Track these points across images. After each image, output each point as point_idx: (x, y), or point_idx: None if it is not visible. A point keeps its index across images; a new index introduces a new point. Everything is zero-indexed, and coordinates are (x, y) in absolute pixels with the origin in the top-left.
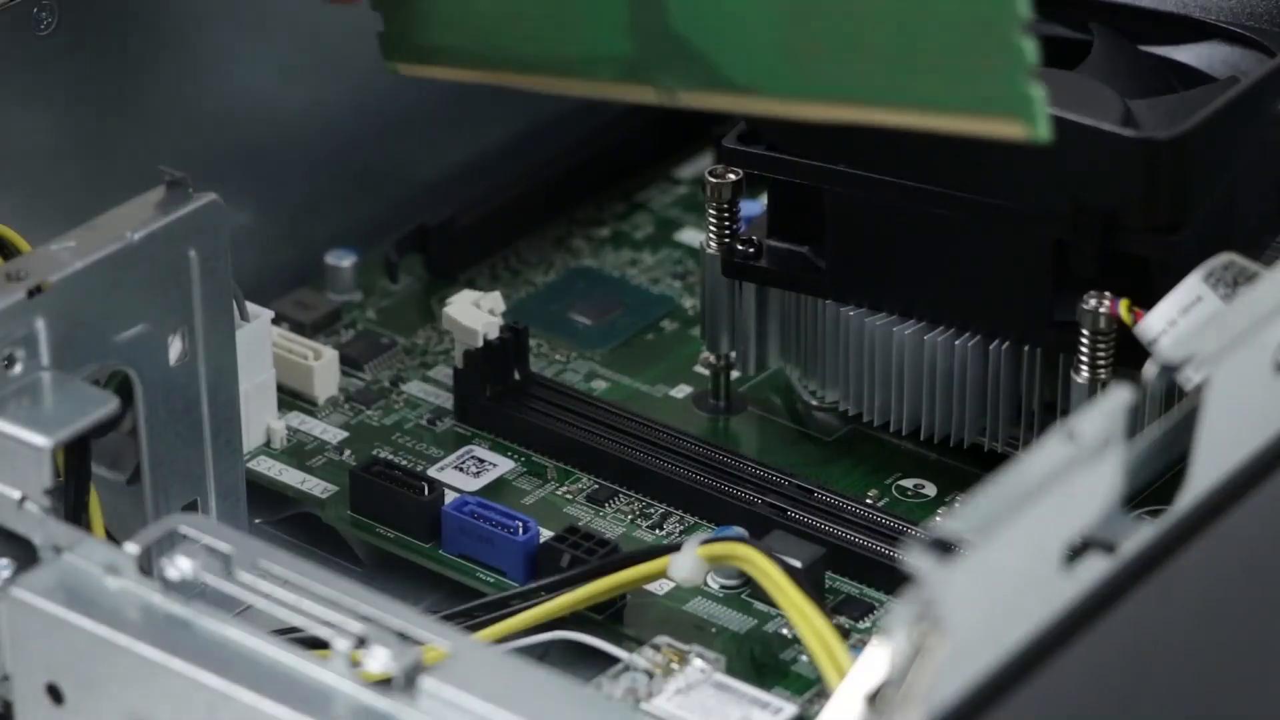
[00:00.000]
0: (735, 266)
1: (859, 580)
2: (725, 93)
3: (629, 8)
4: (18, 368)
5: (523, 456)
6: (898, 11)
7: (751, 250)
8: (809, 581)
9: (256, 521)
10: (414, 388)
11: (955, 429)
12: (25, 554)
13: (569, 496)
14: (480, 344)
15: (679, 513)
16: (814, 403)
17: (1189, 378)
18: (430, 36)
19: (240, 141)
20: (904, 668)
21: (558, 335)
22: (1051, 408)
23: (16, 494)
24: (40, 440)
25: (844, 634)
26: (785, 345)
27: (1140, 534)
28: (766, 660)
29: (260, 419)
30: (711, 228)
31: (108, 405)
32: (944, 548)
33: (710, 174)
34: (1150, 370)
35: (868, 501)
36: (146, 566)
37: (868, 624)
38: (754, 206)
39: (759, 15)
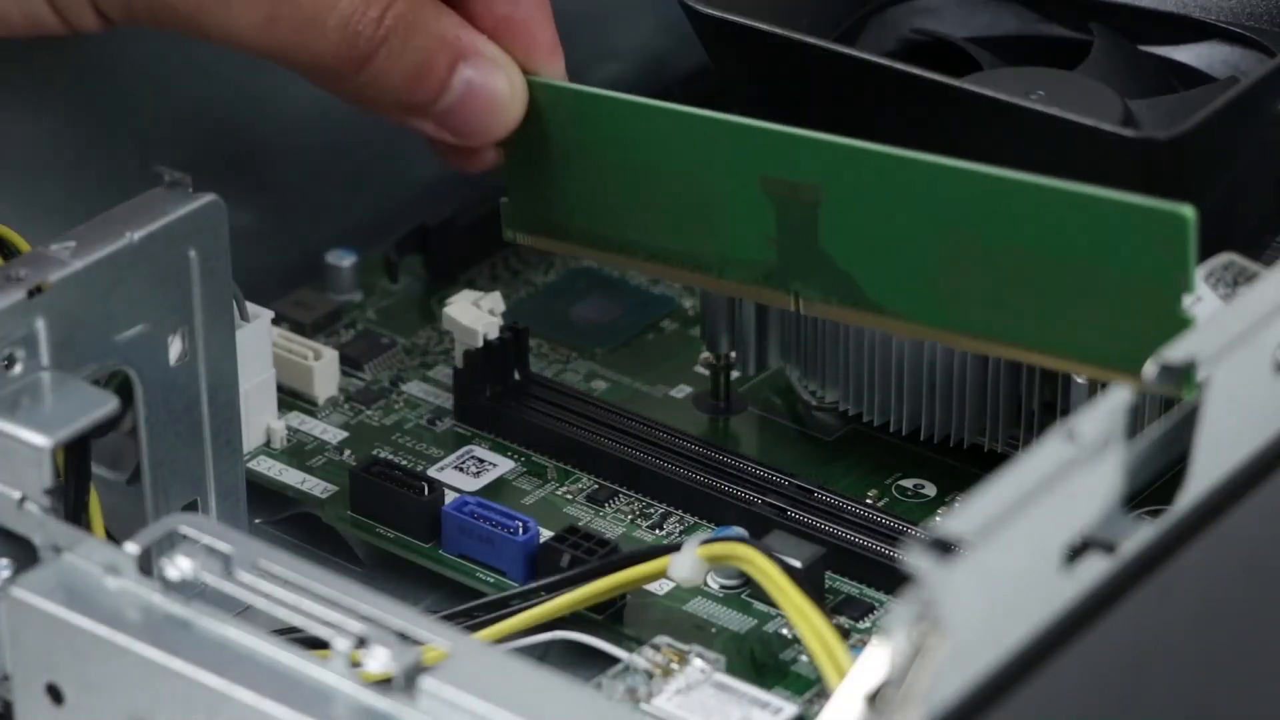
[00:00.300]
0: None
1: (859, 580)
2: (866, 311)
3: (777, 220)
4: (18, 368)
5: (523, 456)
6: (1061, 269)
7: None
8: (809, 581)
9: (256, 521)
10: (414, 388)
11: (955, 429)
12: (25, 554)
13: (569, 497)
14: (480, 344)
15: (679, 513)
16: (814, 403)
17: None
18: (558, 214)
19: (240, 141)
20: (904, 668)
21: (558, 335)
22: (1051, 408)
23: (16, 494)
24: (40, 440)
25: (844, 634)
26: (785, 345)
27: (1140, 534)
28: (766, 660)
29: (260, 419)
30: None
31: (108, 405)
32: (944, 548)
33: None
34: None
35: (868, 501)
36: (146, 567)
37: (868, 624)
38: None
39: (914, 250)
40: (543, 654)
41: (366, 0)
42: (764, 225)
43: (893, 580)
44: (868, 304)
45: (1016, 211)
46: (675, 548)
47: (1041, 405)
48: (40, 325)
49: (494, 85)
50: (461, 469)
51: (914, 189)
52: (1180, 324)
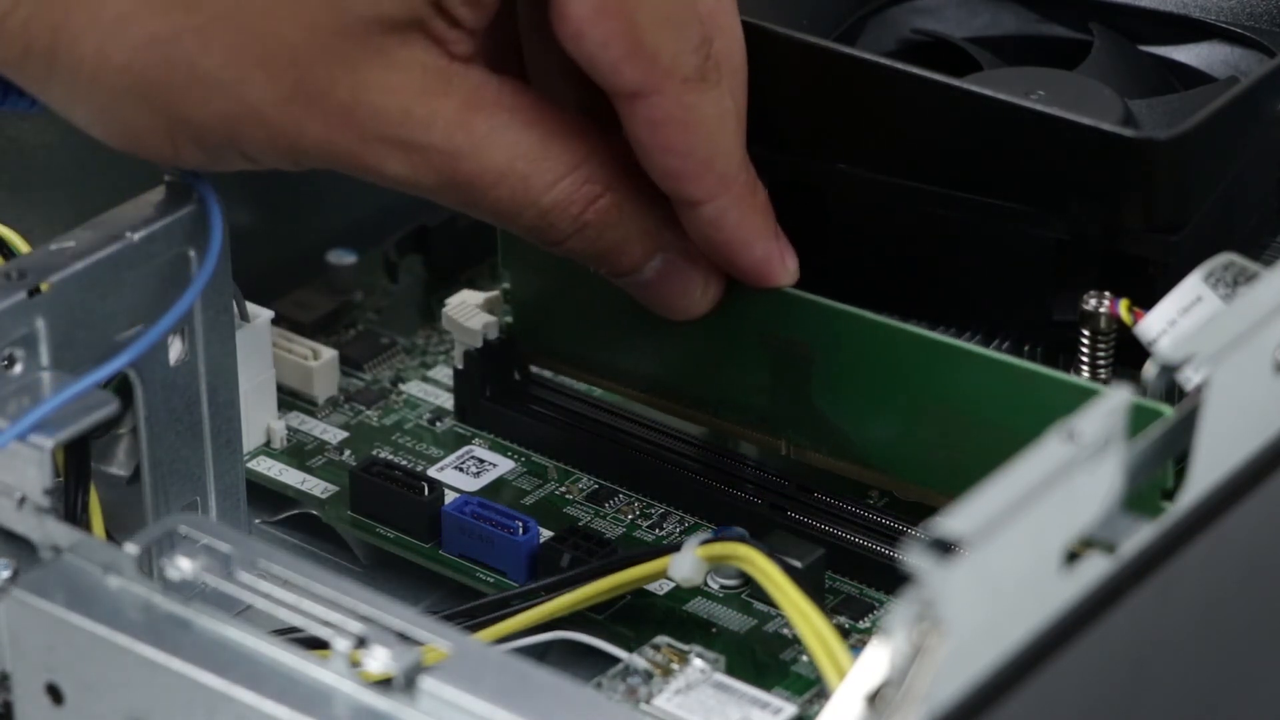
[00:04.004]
0: None
1: (859, 580)
2: (853, 464)
3: (772, 374)
4: (18, 368)
5: (523, 457)
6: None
7: None
8: (809, 582)
9: (257, 521)
10: (414, 388)
11: None
12: (25, 554)
13: (569, 497)
14: (480, 344)
15: (679, 513)
16: None
17: (1189, 378)
18: (560, 342)
19: None
20: (904, 668)
21: None
22: None
23: (16, 494)
24: (40, 440)
25: (844, 634)
26: None
27: (1140, 534)
28: (766, 660)
29: (260, 419)
30: None
31: (108, 405)
32: (944, 548)
33: None
34: (1150, 370)
35: (868, 501)
36: (146, 566)
37: (868, 624)
38: None
39: (895, 411)
40: (543, 654)
41: (569, 198)
42: (761, 376)
43: (893, 580)
44: (854, 457)
45: (997, 391)
46: (675, 548)
47: None
48: (40, 325)
49: (686, 280)
50: (461, 469)
51: (892, 353)
52: (1155, 510)
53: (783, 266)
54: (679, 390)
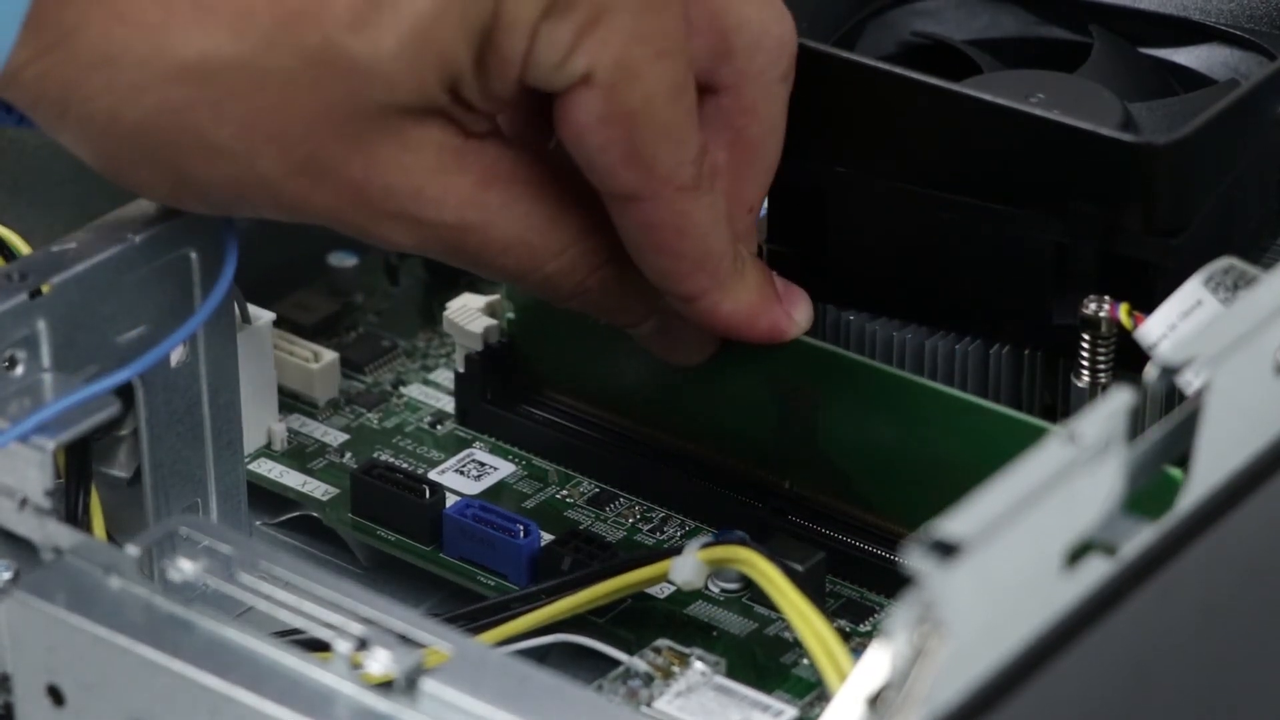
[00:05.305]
0: None
1: (859, 583)
2: (852, 504)
3: (779, 414)
4: (19, 369)
5: (524, 460)
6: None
7: None
8: (810, 585)
9: (257, 523)
10: (415, 390)
11: None
12: (26, 555)
13: (570, 500)
14: (481, 347)
15: (680, 516)
16: None
17: (1189, 381)
18: (566, 375)
19: None
20: (905, 670)
21: None
22: (1051, 411)
23: (18, 495)
24: (42, 442)
25: (844, 637)
26: None
27: (1141, 536)
28: (767, 663)
29: (261, 421)
30: None
31: (109, 407)
32: (944, 550)
33: None
34: (1151, 373)
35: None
36: (147, 568)
37: (868, 627)
38: None
39: (899, 458)
40: (544, 657)
41: (574, 265)
42: (767, 415)
43: (893, 583)
44: (854, 499)
45: (1016, 450)
46: (676, 551)
47: (1042, 409)
48: (42, 327)
49: (684, 336)
50: (462, 472)
51: (904, 403)
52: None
53: (790, 324)
54: (680, 425)
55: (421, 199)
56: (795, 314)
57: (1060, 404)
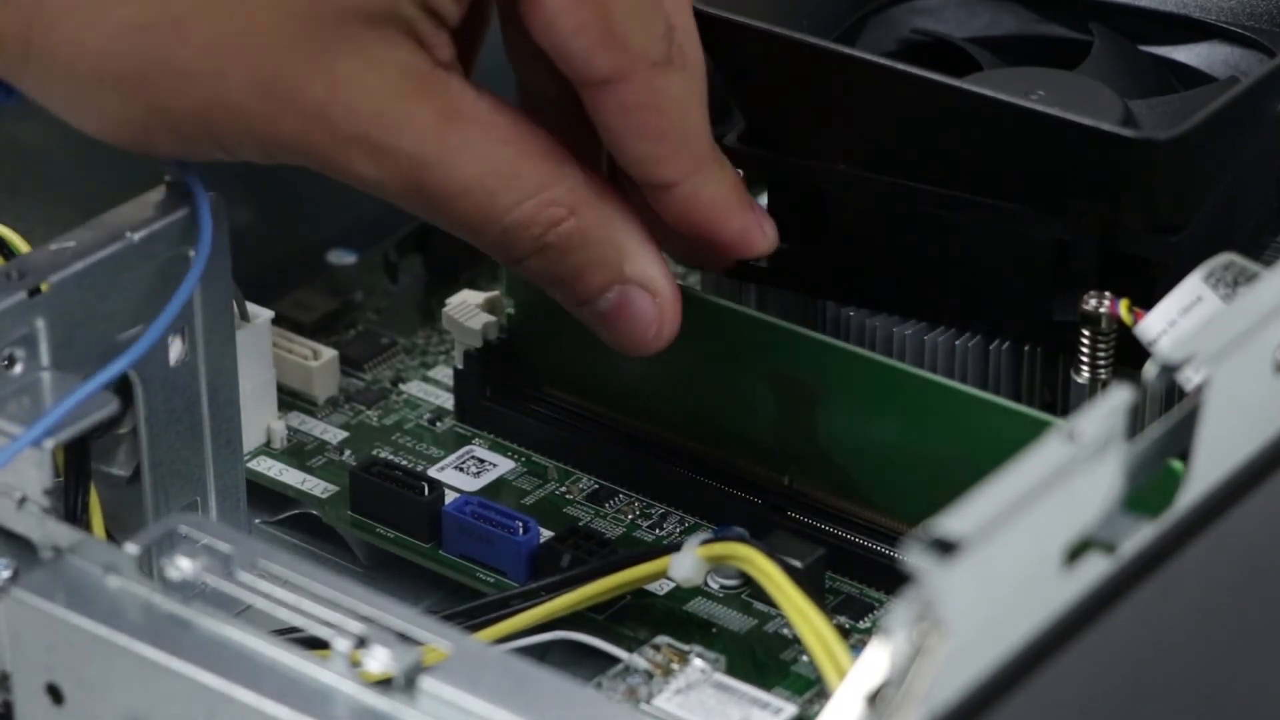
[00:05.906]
0: (736, 267)
1: (859, 580)
2: (851, 500)
3: (778, 410)
4: (18, 368)
5: (523, 456)
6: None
7: None
8: (809, 582)
9: (257, 521)
10: (414, 388)
11: None
12: (26, 554)
13: (569, 496)
14: (480, 344)
15: (679, 513)
16: None
17: (1189, 378)
18: (565, 371)
19: None
20: (904, 668)
21: None
22: (1051, 408)
23: (17, 494)
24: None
25: (844, 634)
26: None
27: (1140, 534)
28: (767, 660)
29: (260, 419)
30: None
31: (108, 406)
32: (944, 547)
33: None
34: (1150, 370)
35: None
36: (146, 567)
37: (868, 624)
38: None
39: (902, 452)
40: (543, 654)
41: (532, 218)
42: (769, 410)
43: (893, 580)
44: (853, 492)
45: (1019, 443)
46: (675, 548)
47: (1042, 405)
48: (41, 325)
49: (641, 315)
50: (462, 469)
51: (905, 397)
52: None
53: (762, 235)
54: (679, 423)
55: (382, 122)
56: (766, 228)
57: (1060, 400)
